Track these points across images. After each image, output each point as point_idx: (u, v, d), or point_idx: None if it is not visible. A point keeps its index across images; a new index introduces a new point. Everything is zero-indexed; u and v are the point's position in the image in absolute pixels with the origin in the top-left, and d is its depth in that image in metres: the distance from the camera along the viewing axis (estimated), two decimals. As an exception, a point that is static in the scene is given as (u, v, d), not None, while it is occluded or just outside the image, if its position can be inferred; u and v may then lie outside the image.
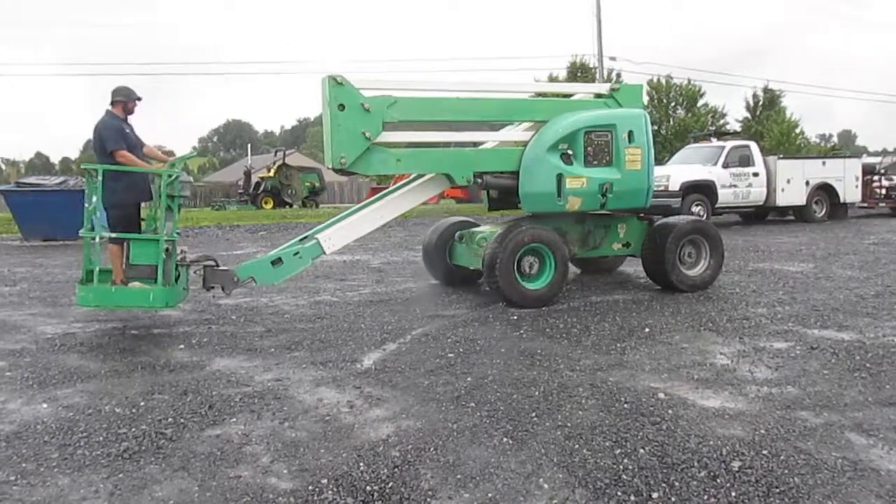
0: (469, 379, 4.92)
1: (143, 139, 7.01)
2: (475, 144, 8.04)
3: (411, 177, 8.04)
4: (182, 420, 4.22)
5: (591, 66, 37.20)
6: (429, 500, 3.16)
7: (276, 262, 6.83)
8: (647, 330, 6.28)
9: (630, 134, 7.61)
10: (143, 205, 6.99)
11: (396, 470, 3.47)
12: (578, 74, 38.68)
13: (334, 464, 3.56)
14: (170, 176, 6.22)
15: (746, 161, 18.31)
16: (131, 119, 7.01)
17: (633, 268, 9.67)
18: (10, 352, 5.92)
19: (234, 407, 4.44)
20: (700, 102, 42.94)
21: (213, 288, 6.78)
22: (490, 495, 3.19)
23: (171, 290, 6.21)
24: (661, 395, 4.48)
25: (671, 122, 42.86)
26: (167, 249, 6.20)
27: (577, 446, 3.71)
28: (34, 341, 6.29)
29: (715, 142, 20.08)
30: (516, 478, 3.36)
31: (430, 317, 6.96)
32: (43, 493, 3.31)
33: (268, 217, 24.19)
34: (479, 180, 7.56)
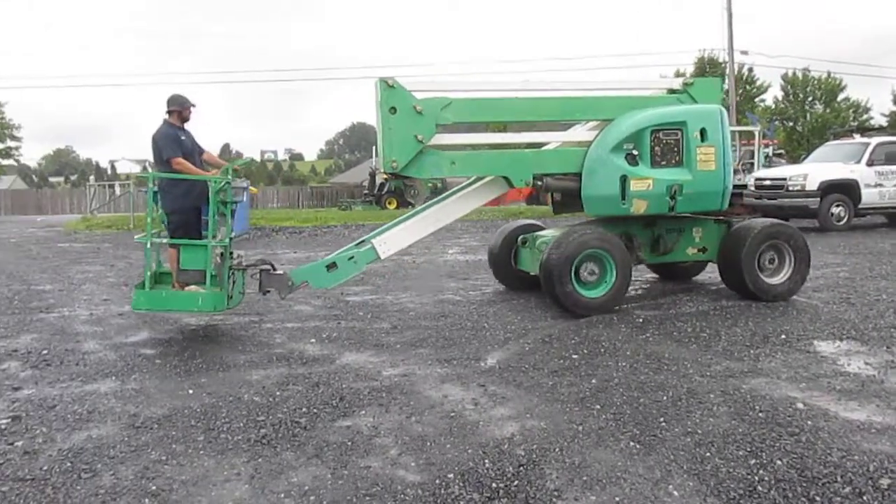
0: (594, 381, 4.86)
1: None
2: (540, 146, 7.77)
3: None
4: (315, 410, 4.41)
5: (721, 60, 35.75)
6: (554, 500, 3.16)
7: (331, 266, 6.80)
8: (783, 336, 5.98)
9: (703, 132, 7.11)
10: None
11: (521, 468, 3.48)
12: (707, 70, 37.28)
13: (460, 459, 3.62)
14: (218, 182, 6.29)
15: (894, 159, 17.03)
16: (188, 126, 7.21)
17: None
18: (158, 341, 6.38)
19: (363, 400, 4.59)
20: (840, 96, 40.38)
21: (268, 292, 6.81)
22: (617, 499, 3.15)
23: (219, 295, 6.19)
24: (800, 405, 4.26)
25: (808, 118, 40.51)
26: (221, 254, 6.33)
27: (708, 454, 3.59)
28: (180, 332, 6.74)
29: (858, 138, 18.81)
30: (644, 483, 3.30)
31: (552, 317, 6.91)
32: (191, 472, 3.55)
33: (391, 217, 24.56)
34: (540, 183, 7.30)
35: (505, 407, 4.40)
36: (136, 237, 6.65)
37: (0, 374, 5.39)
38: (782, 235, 7.60)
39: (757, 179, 17.56)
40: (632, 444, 3.76)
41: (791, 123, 41.33)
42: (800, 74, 40.70)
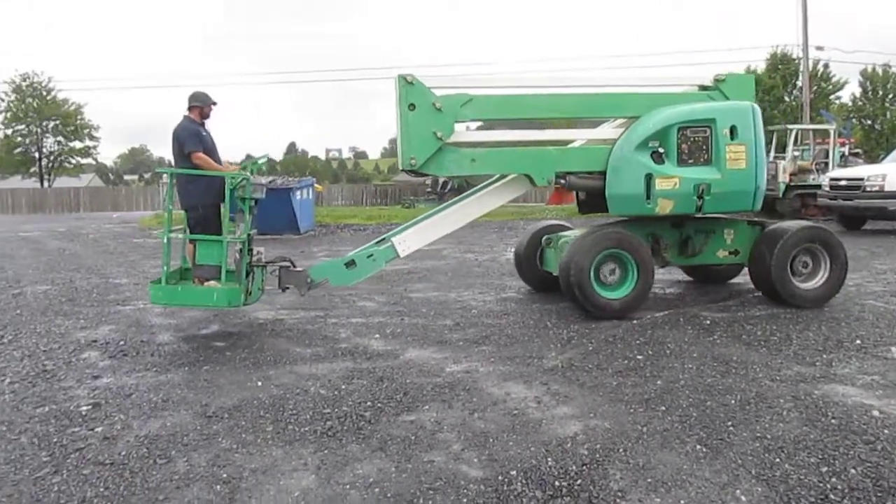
0: (659, 382, 4.80)
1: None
2: (566, 143, 7.57)
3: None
4: (379, 404, 4.48)
5: (795, 56, 34.65)
6: (618, 500, 3.13)
7: (350, 264, 6.79)
8: (857, 342, 5.78)
9: (733, 129, 6.85)
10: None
11: (585, 468, 3.47)
12: (780, 67, 36.20)
13: (523, 457, 3.62)
14: (234, 178, 6.36)
15: (979, 158, 16.22)
16: (208, 123, 7.32)
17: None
18: (228, 334, 6.56)
19: (426, 395, 4.64)
20: (923, 94, 38.61)
21: (287, 288, 6.82)
22: (682, 502, 3.11)
23: (234, 291, 6.24)
24: (876, 413, 4.12)
25: (888, 116, 38.89)
26: (240, 250, 6.41)
27: (777, 460, 3.51)
28: (249, 325, 6.92)
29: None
30: (711, 487, 3.24)
31: (617, 318, 6.84)
32: (260, 462, 3.65)
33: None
34: (563, 181, 7.08)
35: (568, 406, 4.39)
36: (155, 232, 6.77)
37: (81, 362, 5.64)
38: (817, 239, 7.26)
39: (832, 180, 16.96)
40: (698, 447, 3.70)
41: (869, 122, 39.81)
42: (879, 71, 39.16)
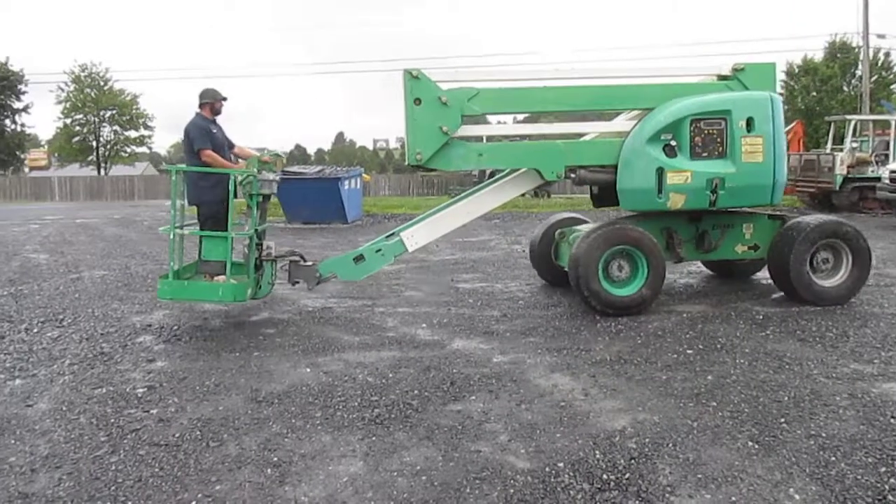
0: (709, 377, 4.72)
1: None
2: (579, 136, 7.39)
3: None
4: (426, 393, 4.50)
5: (855, 45, 33.57)
6: (667, 495, 3.10)
7: (359, 258, 6.77)
8: (918, 339, 5.60)
9: (749, 121, 6.61)
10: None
11: (633, 462, 3.44)
12: (838, 56, 35.12)
13: (570, 449, 3.61)
14: (243, 175, 6.34)
15: None
16: (219, 119, 7.33)
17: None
18: (278, 321, 6.66)
19: (473, 385, 4.65)
20: None
21: (297, 282, 6.84)
22: (734, 499, 3.06)
23: (240, 286, 6.25)
24: (937, 413, 3.99)
25: (953, 107, 37.40)
26: (247, 245, 6.41)
27: (833, 458, 3.43)
28: (298, 313, 7.01)
29: None
30: (763, 484, 3.18)
31: (666, 311, 6.75)
32: (309, 447, 3.71)
33: (501, 206, 24.75)
34: (573, 175, 6.95)
35: (616, 399, 4.35)
36: (160, 229, 6.81)
37: (136, 346, 5.79)
38: (839, 234, 6.96)
39: (892, 172, 16.43)
40: (750, 443, 3.64)
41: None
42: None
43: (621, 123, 7.27)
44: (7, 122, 52.06)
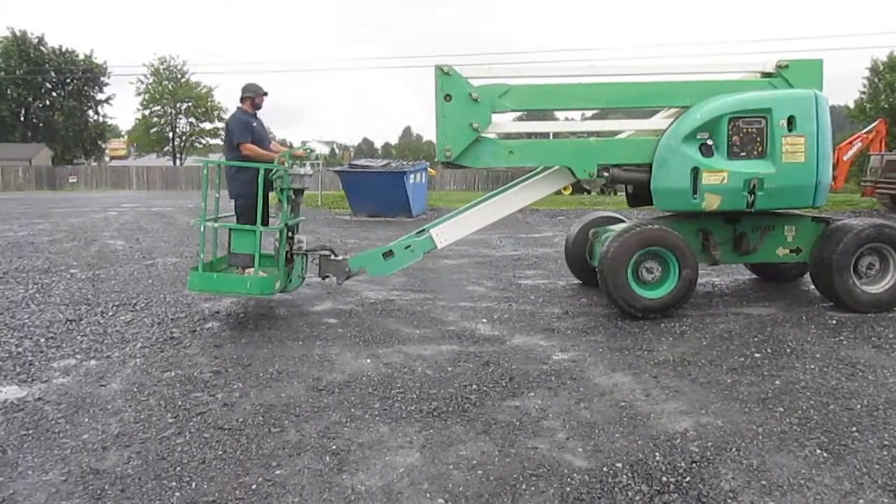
0: (777, 382, 4.58)
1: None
2: (614, 134, 7.17)
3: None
4: (484, 388, 4.50)
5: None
6: (729, 501, 3.02)
7: (388, 254, 6.74)
8: None
9: (791, 120, 6.33)
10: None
11: (694, 465, 3.36)
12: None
13: (629, 449, 3.55)
14: (269, 170, 6.32)
15: None
16: (260, 114, 7.35)
17: None
18: (341, 311, 6.76)
19: (531, 382, 4.62)
20: None
21: (327, 277, 6.86)
22: (799, 508, 2.96)
23: (268, 279, 6.25)
24: None
25: None
26: (278, 239, 6.43)
27: (907, 471, 3.28)
28: (360, 304, 7.10)
29: None
30: (831, 494, 3.07)
31: (734, 313, 6.57)
32: (367, 437, 3.75)
33: (566, 203, 24.54)
34: (606, 174, 6.78)
35: (678, 401, 4.26)
36: (190, 222, 6.84)
37: (205, 332, 5.96)
38: (886, 238, 6.60)
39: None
40: (818, 451, 3.51)
41: None
42: None
43: (658, 121, 7.08)
44: (90, 112, 54.20)
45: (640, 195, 7.18)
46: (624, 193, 8.07)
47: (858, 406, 4.14)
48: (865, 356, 5.17)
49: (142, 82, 53.42)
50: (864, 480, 3.20)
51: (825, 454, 3.48)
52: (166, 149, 55.59)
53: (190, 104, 54.07)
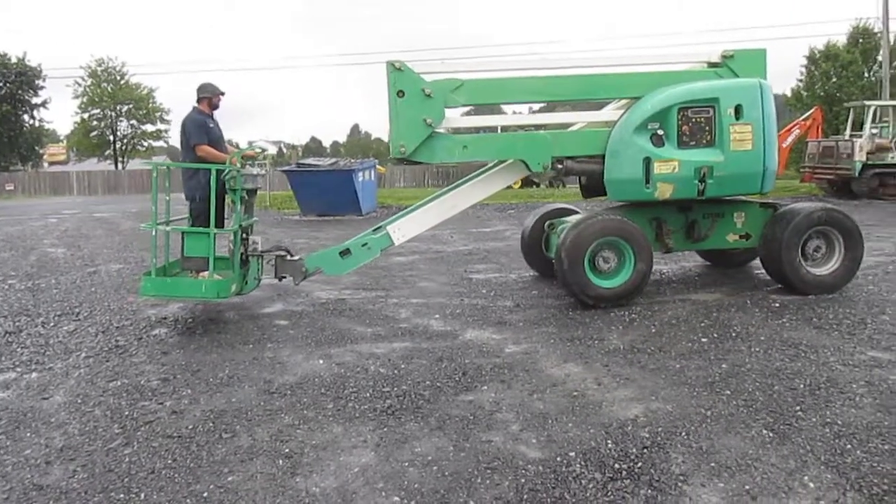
0: (724, 366, 4.69)
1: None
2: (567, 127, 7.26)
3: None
4: (438, 384, 4.50)
5: (876, 30, 33.03)
6: (680, 484, 3.08)
7: (345, 252, 6.70)
8: (938, 326, 5.52)
9: (738, 109, 6.49)
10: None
11: (646, 451, 3.41)
12: (860, 41, 34.57)
13: (582, 438, 3.59)
14: (219, 171, 6.25)
15: None
16: (216, 114, 7.26)
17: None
18: (292, 313, 6.68)
19: (485, 375, 4.64)
20: None
21: (284, 277, 6.80)
22: (747, 487, 3.03)
23: (223, 282, 6.15)
24: (956, 400, 3.93)
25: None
26: (233, 240, 6.37)
27: (849, 446, 3.39)
28: (311, 304, 7.03)
29: None
30: (777, 473, 3.15)
31: (681, 300, 6.70)
32: (321, 438, 3.72)
33: (516, 196, 24.65)
34: (560, 166, 6.82)
35: (629, 388, 4.32)
36: (142, 225, 6.74)
37: (152, 339, 5.83)
38: (832, 221, 6.84)
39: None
40: (764, 431, 3.60)
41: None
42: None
43: (609, 113, 7.18)
44: (25, 117, 52.50)
45: (594, 186, 7.26)
46: (573, 186, 8.19)
47: (801, 386, 4.26)
48: (807, 337, 5.32)
49: (79, 85, 51.94)
50: (808, 458, 3.29)
51: (771, 434, 3.57)
52: (107, 152, 54.16)
53: (131, 106, 52.77)
